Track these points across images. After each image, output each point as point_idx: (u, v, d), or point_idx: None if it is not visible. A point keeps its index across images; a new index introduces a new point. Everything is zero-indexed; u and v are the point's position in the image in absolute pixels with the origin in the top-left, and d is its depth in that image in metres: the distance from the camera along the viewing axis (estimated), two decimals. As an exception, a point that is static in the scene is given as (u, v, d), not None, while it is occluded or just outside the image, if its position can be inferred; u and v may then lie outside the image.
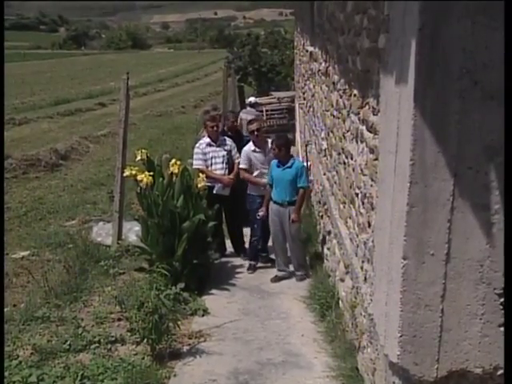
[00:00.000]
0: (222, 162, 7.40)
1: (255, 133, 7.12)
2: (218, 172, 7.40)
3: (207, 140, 7.45)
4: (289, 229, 6.66)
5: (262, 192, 7.05)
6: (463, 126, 2.71)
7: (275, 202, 6.69)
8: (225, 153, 7.44)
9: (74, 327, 5.25)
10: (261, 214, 6.83)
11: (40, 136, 18.32)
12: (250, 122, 7.47)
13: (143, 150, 6.70)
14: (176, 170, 6.48)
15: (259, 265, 7.35)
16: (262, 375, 4.68)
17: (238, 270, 7.27)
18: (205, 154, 7.37)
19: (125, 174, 6.66)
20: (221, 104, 14.49)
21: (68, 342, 4.97)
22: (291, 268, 6.94)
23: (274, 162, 6.76)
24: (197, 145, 7.59)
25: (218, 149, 7.42)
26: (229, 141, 7.57)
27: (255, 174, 7.17)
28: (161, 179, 6.42)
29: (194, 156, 7.50)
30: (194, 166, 7.40)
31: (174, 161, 6.55)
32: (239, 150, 7.53)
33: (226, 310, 6.02)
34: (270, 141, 7.16)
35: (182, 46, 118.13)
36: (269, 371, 4.75)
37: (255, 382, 4.59)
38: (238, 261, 7.54)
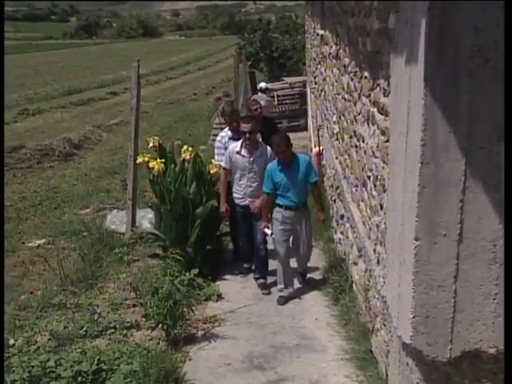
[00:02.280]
0: None
1: (247, 135, 5.98)
2: None
3: (229, 133, 6.64)
4: (304, 233, 5.91)
5: (244, 201, 6.21)
6: (474, 106, 2.68)
7: (287, 208, 5.77)
8: None
9: (90, 313, 5.33)
10: (268, 232, 5.86)
11: (53, 126, 18.46)
12: (243, 119, 6.21)
13: (155, 137, 6.72)
14: (188, 157, 6.49)
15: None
16: (277, 359, 4.72)
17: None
18: (226, 148, 6.51)
19: (137, 161, 6.69)
20: (232, 90, 14.47)
21: (84, 328, 5.05)
22: (296, 283, 6.17)
23: (273, 166, 5.76)
24: (218, 138, 6.83)
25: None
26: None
27: (237, 178, 6.21)
28: (173, 166, 6.44)
29: (215, 150, 6.80)
30: (214, 161, 6.64)
31: (185, 147, 6.56)
32: (268, 138, 6.28)
33: (240, 295, 6.05)
34: (268, 149, 6.11)
35: (193, 33, 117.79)
36: (283, 355, 4.78)
37: (270, 365, 4.62)
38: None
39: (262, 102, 11.74)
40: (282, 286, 5.96)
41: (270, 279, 6.28)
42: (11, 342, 4.77)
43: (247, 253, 6.60)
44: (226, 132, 6.71)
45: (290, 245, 5.98)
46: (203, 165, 6.65)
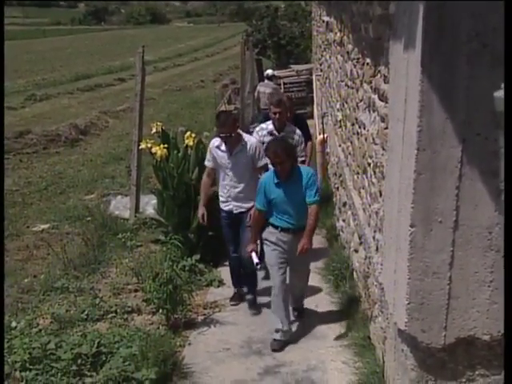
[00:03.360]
0: None
1: (224, 139, 5.20)
2: None
3: (270, 127, 5.95)
4: (302, 261, 4.85)
5: (228, 205, 5.38)
6: (472, 92, 2.67)
7: (283, 231, 4.72)
8: None
9: (92, 298, 5.38)
10: (255, 259, 4.81)
11: (60, 112, 18.48)
12: (218, 121, 5.23)
13: (158, 123, 6.73)
14: (191, 143, 6.50)
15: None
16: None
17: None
18: (263, 143, 5.55)
19: (140, 147, 6.71)
20: (239, 78, 14.42)
21: (86, 312, 5.09)
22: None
23: (267, 179, 4.74)
24: (257, 129, 6.14)
25: None
26: (297, 134, 5.92)
27: (221, 178, 5.43)
28: (175, 152, 6.45)
29: None
30: None
31: (188, 133, 6.57)
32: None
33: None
34: (252, 143, 5.32)
35: (201, 20, 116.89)
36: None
37: (268, 350, 4.66)
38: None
39: (268, 90, 11.75)
40: (280, 326, 4.77)
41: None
42: (13, 324, 4.81)
43: (236, 271, 5.64)
44: (267, 125, 6.00)
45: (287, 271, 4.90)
46: (206, 151, 6.65)
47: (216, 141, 5.37)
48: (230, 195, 5.34)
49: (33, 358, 4.10)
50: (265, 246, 4.92)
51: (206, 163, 5.54)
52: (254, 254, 4.81)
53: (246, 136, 5.39)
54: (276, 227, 4.75)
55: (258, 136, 5.90)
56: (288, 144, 4.85)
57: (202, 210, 5.55)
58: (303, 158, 5.95)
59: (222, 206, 5.45)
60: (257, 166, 5.28)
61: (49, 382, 3.89)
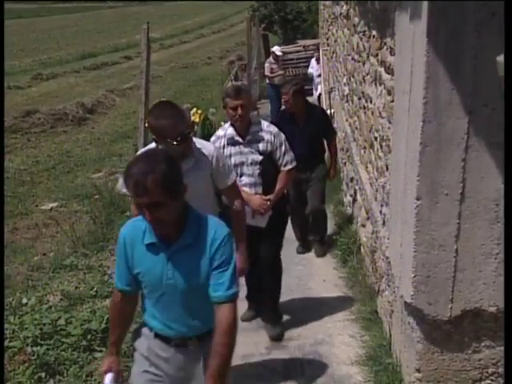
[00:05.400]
0: (252, 175, 4.17)
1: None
2: (245, 189, 4.08)
3: (230, 131, 4.13)
4: None
5: None
6: (479, 62, 2.62)
7: (160, 337, 2.50)
8: (257, 156, 4.12)
9: (101, 275, 5.42)
10: (107, 380, 2.50)
11: (67, 90, 18.49)
12: (163, 128, 3.00)
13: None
14: (197, 119, 6.49)
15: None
16: (283, 319, 4.76)
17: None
18: (225, 157, 3.87)
19: (147, 125, 6.68)
20: (246, 54, 14.35)
21: (95, 289, 5.12)
22: None
23: (132, 230, 2.44)
24: (212, 138, 4.23)
25: (246, 149, 4.12)
26: (268, 133, 4.11)
27: None
28: (182, 128, 6.42)
29: None
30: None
31: (194, 110, 6.55)
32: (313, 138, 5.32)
33: (249, 257, 6.08)
34: (210, 150, 3.36)
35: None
36: (289, 315, 4.82)
37: (276, 325, 4.67)
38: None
39: (273, 66, 11.66)
40: None
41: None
42: (24, 300, 4.88)
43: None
44: (225, 129, 4.16)
45: None
46: (212, 127, 6.64)
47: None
48: None
49: (44, 333, 4.16)
50: (134, 361, 2.65)
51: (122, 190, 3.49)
52: (109, 376, 2.53)
53: (198, 143, 3.37)
54: (151, 329, 2.54)
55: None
56: (172, 167, 2.22)
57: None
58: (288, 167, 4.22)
59: None
60: (221, 186, 3.46)
61: (59, 357, 3.94)
